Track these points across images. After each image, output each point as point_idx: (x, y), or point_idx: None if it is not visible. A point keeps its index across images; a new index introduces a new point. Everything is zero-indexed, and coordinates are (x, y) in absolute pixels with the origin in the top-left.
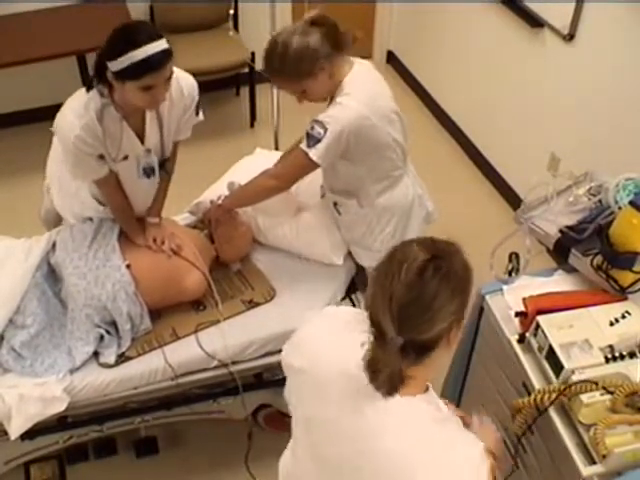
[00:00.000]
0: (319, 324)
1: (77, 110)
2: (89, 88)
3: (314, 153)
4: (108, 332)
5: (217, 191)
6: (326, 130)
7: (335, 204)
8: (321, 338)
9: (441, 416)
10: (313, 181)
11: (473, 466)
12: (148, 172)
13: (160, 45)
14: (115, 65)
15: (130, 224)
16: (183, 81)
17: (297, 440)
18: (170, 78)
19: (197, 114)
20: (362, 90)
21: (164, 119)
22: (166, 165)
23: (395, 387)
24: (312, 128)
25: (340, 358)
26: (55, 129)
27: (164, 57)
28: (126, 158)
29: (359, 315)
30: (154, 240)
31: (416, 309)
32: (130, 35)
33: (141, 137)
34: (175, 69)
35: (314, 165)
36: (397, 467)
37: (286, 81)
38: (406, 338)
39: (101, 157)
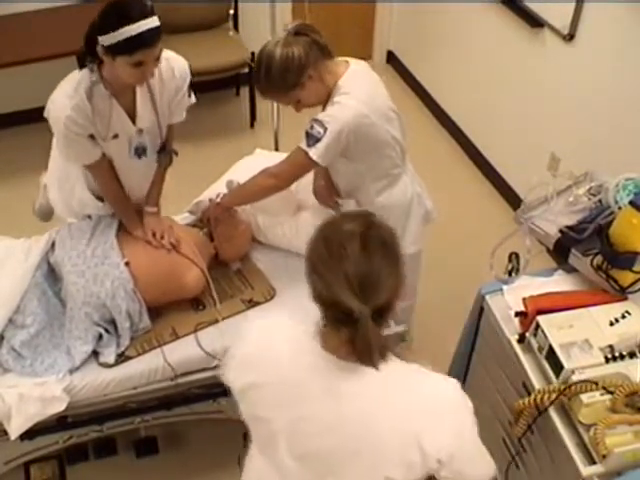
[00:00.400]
0: (262, 335)
1: (67, 91)
2: (82, 67)
3: (314, 152)
4: (107, 331)
5: (217, 191)
6: (326, 129)
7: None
8: (272, 345)
9: (412, 367)
10: (312, 179)
11: (460, 401)
12: (139, 152)
13: (153, 22)
14: (107, 39)
15: (128, 215)
16: (174, 62)
17: (277, 448)
18: (160, 56)
19: (189, 96)
20: (360, 89)
21: (157, 100)
22: (166, 148)
23: (385, 355)
24: (312, 127)
25: (300, 355)
26: (47, 113)
27: (156, 34)
28: (116, 137)
29: (290, 321)
30: (153, 234)
31: (371, 278)
32: (124, 10)
33: (132, 117)
34: (166, 50)
35: (314, 164)
36: (399, 435)
37: (276, 94)
38: (371, 307)
39: (91, 137)
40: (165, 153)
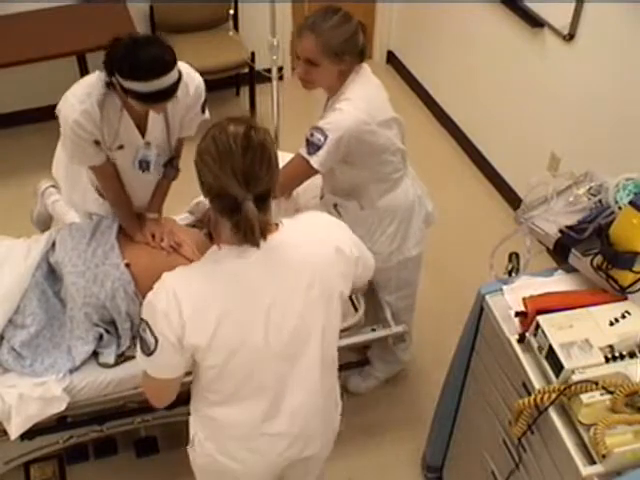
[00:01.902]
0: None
1: (80, 95)
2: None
3: (315, 160)
4: (107, 331)
5: None
6: (326, 137)
7: (335, 205)
8: (204, 291)
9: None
10: (312, 182)
11: (332, 218)
12: (143, 166)
13: (169, 79)
14: (121, 81)
15: (128, 218)
16: (189, 79)
17: (253, 351)
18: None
19: (203, 112)
20: (361, 96)
21: (169, 115)
22: (173, 162)
23: (265, 233)
24: (312, 135)
25: (232, 275)
26: (58, 110)
27: (170, 92)
28: (122, 147)
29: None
30: (152, 236)
31: (253, 171)
32: (138, 66)
33: (142, 130)
34: (184, 66)
35: (314, 172)
36: (325, 258)
37: (318, 45)
38: (254, 194)
39: (97, 143)
40: (172, 167)
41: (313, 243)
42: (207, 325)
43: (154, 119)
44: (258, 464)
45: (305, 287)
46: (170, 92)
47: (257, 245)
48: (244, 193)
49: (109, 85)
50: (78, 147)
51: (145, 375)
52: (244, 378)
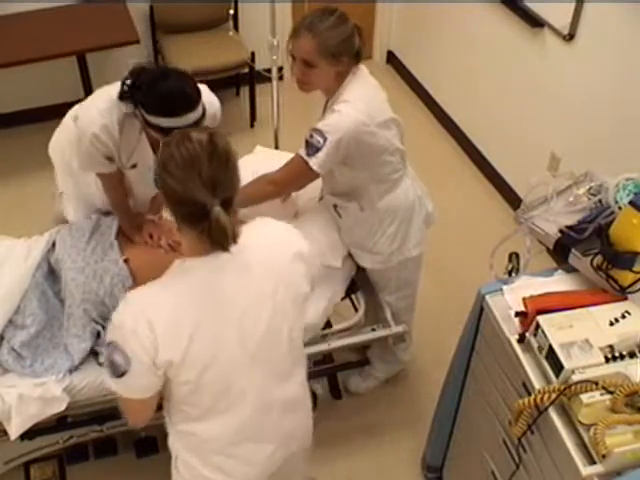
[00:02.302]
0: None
1: (102, 109)
2: (121, 97)
3: (314, 162)
4: (106, 328)
5: None
6: (325, 139)
7: (335, 207)
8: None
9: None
10: (312, 184)
11: (290, 228)
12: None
13: (194, 115)
14: (144, 114)
15: (127, 221)
16: (210, 105)
17: (234, 363)
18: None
19: None
20: (360, 97)
21: None
22: None
23: (235, 237)
24: (311, 136)
25: (193, 289)
26: (75, 118)
27: (194, 126)
28: (134, 166)
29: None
30: (150, 236)
31: (219, 177)
32: (165, 104)
33: (156, 149)
34: (202, 88)
35: (313, 174)
36: (287, 262)
37: (315, 45)
38: (220, 199)
39: (110, 159)
40: None
41: (274, 247)
42: (180, 340)
43: None
44: (248, 473)
45: (271, 292)
46: (197, 124)
47: (228, 250)
48: (212, 199)
49: (129, 107)
50: (91, 158)
51: (119, 395)
52: (220, 391)
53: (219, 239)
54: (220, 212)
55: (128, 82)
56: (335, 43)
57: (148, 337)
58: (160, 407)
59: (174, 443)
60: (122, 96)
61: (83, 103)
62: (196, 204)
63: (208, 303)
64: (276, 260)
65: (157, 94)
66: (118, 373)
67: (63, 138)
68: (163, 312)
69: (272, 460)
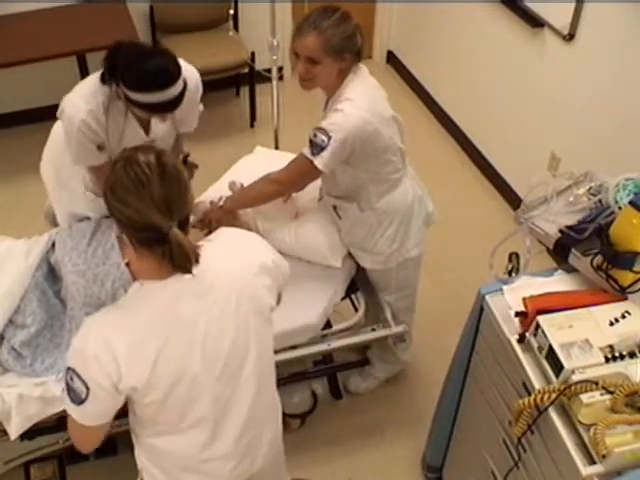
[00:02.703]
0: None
1: (85, 96)
2: (103, 80)
3: (319, 161)
4: None
5: (217, 191)
6: (330, 138)
7: (335, 207)
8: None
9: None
10: (312, 184)
11: (255, 238)
12: None
13: (174, 90)
14: (125, 91)
15: None
16: (188, 74)
17: (197, 382)
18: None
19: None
20: (362, 95)
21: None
22: (187, 160)
23: (197, 258)
24: (315, 136)
25: (159, 310)
26: (61, 112)
27: (176, 103)
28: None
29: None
30: None
31: (173, 197)
32: (143, 78)
33: (146, 128)
34: (180, 61)
35: (318, 173)
36: (250, 275)
37: (320, 42)
38: (176, 220)
39: (100, 147)
40: (187, 166)
41: (236, 262)
42: (144, 365)
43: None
44: None
45: (234, 308)
46: (176, 103)
47: (190, 271)
48: (168, 221)
49: (112, 88)
50: (84, 148)
51: (72, 421)
52: (185, 409)
53: (181, 262)
54: (179, 234)
55: (108, 61)
56: (339, 40)
57: (110, 364)
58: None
59: (139, 456)
60: (104, 77)
61: (65, 97)
62: (153, 228)
63: (170, 328)
64: (239, 274)
65: (138, 70)
66: (78, 400)
67: (51, 154)
68: (125, 338)
69: (235, 474)
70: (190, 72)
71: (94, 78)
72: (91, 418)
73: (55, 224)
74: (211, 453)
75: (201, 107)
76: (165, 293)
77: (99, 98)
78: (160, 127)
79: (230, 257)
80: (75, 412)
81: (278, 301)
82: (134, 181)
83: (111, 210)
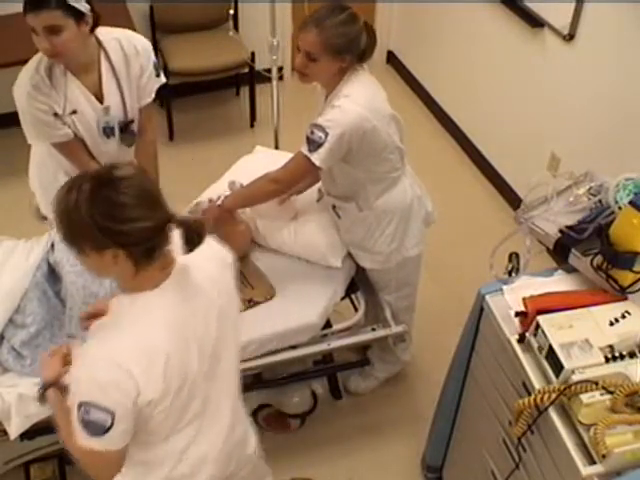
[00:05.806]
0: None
1: (30, 70)
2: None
3: (316, 157)
4: None
5: (217, 191)
6: (327, 134)
7: (334, 207)
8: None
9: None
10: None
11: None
12: (107, 132)
13: (46, 17)
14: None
15: None
16: (136, 40)
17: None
18: (55, 31)
19: (158, 75)
20: (360, 92)
21: (121, 78)
22: (130, 127)
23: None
24: (312, 132)
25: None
26: (13, 92)
27: (43, 2)
28: (74, 112)
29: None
30: None
31: (151, 193)
32: None
33: (100, 96)
34: (125, 30)
35: (316, 169)
36: (226, 289)
37: (320, 41)
38: (165, 214)
39: (56, 115)
40: (128, 134)
41: (206, 261)
42: (157, 378)
43: (108, 84)
44: None
45: (217, 306)
46: (48, 2)
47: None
48: (163, 216)
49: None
50: (40, 122)
51: (92, 455)
52: (182, 413)
53: (199, 231)
54: (177, 214)
55: None
56: (340, 42)
57: (126, 382)
58: None
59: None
60: None
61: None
62: (161, 225)
63: (172, 334)
64: (215, 271)
65: None
66: (101, 431)
67: (35, 165)
68: (133, 355)
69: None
70: (138, 37)
71: (38, 54)
72: (116, 442)
73: (42, 217)
74: (189, 455)
75: (163, 79)
76: (162, 301)
77: (42, 68)
78: (112, 95)
79: (206, 255)
80: (99, 443)
81: None
82: (118, 202)
83: (116, 237)
